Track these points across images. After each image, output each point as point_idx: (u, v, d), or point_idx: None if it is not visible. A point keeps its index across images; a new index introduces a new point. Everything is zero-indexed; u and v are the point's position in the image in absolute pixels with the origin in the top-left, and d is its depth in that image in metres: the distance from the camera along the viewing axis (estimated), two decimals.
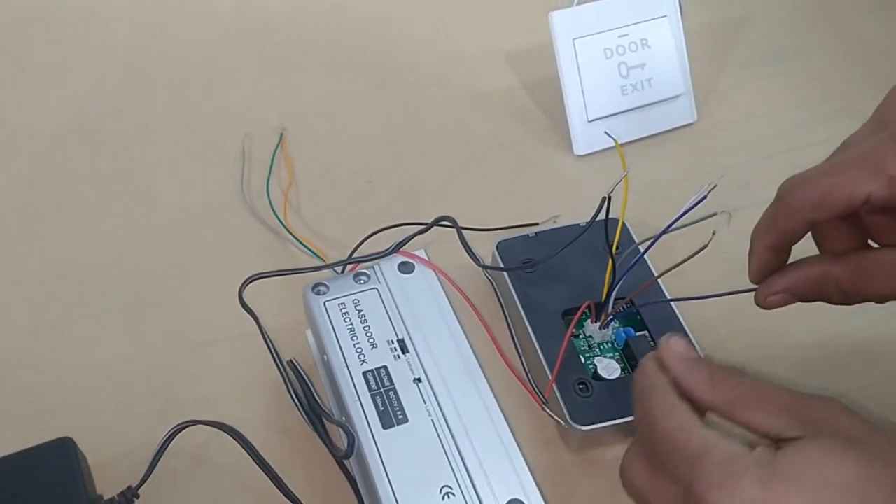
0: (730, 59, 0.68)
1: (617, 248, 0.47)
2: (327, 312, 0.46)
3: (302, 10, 0.71)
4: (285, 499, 0.42)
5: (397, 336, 0.45)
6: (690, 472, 0.33)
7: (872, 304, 0.40)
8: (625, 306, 0.48)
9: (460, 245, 0.50)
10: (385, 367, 0.44)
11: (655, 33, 0.61)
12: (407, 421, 0.42)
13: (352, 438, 0.42)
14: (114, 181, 0.59)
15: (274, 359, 0.44)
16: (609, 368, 0.47)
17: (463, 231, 0.50)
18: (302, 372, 0.46)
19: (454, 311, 0.47)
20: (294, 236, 0.54)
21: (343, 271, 0.49)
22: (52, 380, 0.49)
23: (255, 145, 0.61)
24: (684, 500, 0.33)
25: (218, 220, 0.57)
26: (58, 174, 0.59)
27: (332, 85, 0.66)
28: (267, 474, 0.42)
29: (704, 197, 0.42)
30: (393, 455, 0.41)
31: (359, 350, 0.45)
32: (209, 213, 0.57)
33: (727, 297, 0.44)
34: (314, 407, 0.45)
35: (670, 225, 0.44)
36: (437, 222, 0.50)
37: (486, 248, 0.53)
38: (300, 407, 0.45)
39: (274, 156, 0.60)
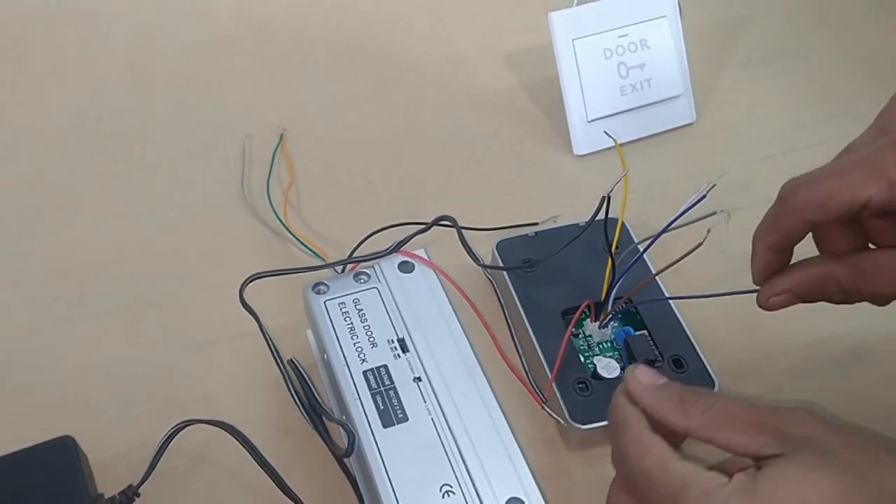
0: (729, 60, 0.68)
1: (616, 247, 0.47)
2: (327, 312, 0.46)
3: (302, 11, 0.71)
4: (286, 497, 0.42)
5: (397, 335, 0.45)
6: None
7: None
8: (624, 305, 0.48)
9: (460, 245, 0.50)
10: (385, 366, 0.44)
11: (655, 34, 0.61)
12: (407, 420, 0.42)
13: (352, 437, 0.42)
14: (114, 181, 0.59)
15: (274, 358, 0.45)
16: (609, 367, 0.47)
17: (463, 231, 0.50)
18: (302, 371, 0.46)
19: (454, 310, 0.47)
20: (294, 236, 0.54)
21: (343, 271, 0.49)
22: (53, 380, 0.49)
23: (256, 145, 0.61)
24: None
25: (218, 220, 0.57)
26: (58, 174, 0.59)
27: (333, 85, 0.66)
28: (267, 473, 0.42)
29: (703, 196, 0.42)
30: (393, 454, 0.41)
31: (359, 349, 0.45)
32: (209, 213, 0.57)
33: (727, 296, 0.44)
34: (314, 406, 0.45)
35: (669, 224, 0.44)
36: (437, 222, 0.50)
37: (485, 247, 0.53)
38: (300, 406, 0.45)
39: (274, 156, 0.60)
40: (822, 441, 0.33)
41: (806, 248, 0.41)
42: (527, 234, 0.53)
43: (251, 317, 0.44)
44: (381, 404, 0.43)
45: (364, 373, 0.44)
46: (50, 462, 0.41)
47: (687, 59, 0.62)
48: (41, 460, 0.41)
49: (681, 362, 0.47)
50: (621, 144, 0.59)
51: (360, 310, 0.46)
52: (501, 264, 0.51)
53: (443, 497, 0.40)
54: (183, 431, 0.42)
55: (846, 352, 0.51)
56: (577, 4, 0.60)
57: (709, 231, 0.42)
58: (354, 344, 0.45)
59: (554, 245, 0.50)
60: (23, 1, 0.71)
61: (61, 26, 0.69)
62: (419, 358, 0.45)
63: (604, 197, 0.46)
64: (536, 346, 0.48)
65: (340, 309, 0.46)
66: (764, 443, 0.34)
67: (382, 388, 0.43)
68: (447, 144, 0.62)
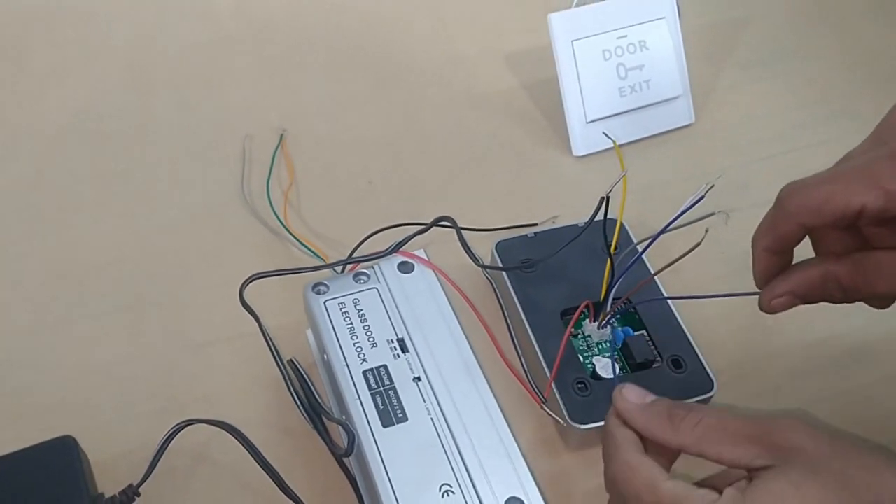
0: (728, 61, 0.68)
1: (615, 248, 0.47)
2: (327, 312, 0.46)
3: (302, 11, 0.71)
4: (285, 497, 0.42)
5: (397, 335, 0.46)
6: None
7: None
8: (623, 305, 0.48)
9: (460, 245, 0.51)
10: (385, 366, 0.44)
11: (654, 35, 0.61)
12: (406, 420, 0.42)
13: (352, 437, 0.42)
14: (114, 181, 0.59)
15: (274, 358, 0.45)
16: (608, 368, 0.47)
17: (462, 231, 0.50)
18: (302, 371, 0.46)
19: (454, 310, 0.47)
20: (294, 236, 0.55)
21: (343, 271, 0.49)
22: (53, 380, 0.49)
23: (256, 146, 0.61)
24: None
25: (218, 221, 0.57)
26: (58, 174, 0.59)
27: (333, 85, 0.66)
28: (267, 473, 0.42)
29: (702, 197, 0.42)
30: (393, 453, 0.41)
31: (359, 349, 0.45)
32: (209, 213, 0.57)
33: (726, 297, 0.44)
34: (314, 406, 0.45)
35: (668, 225, 0.44)
36: (436, 222, 0.50)
37: (485, 248, 0.53)
38: (300, 406, 0.45)
39: (274, 156, 0.60)
40: (812, 451, 0.33)
41: (809, 251, 0.41)
42: (526, 235, 0.53)
43: (251, 317, 0.45)
44: (380, 404, 0.43)
45: (364, 373, 0.44)
46: (51, 461, 0.41)
47: (686, 60, 0.62)
48: (42, 460, 0.41)
49: (680, 362, 0.47)
50: (620, 145, 0.60)
51: (360, 310, 0.46)
52: (501, 265, 0.52)
53: (442, 497, 0.40)
54: (183, 431, 0.42)
55: (846, 352, 0.51)
56: (577, 6, 0.60)
57: (707, 231, 0.42)
58: (354, 344, 0.45)
59: (553, 245, 0.50)
60: (23, 1, 0.71)
61: (61, 26, 0.70)
62: (419, 358, 0.45)
63: (603, 197, 0.46)
64: (536, 346, 0.48)
65: (340, 309, 0.46)
66: (754, 454, 0.34)
67: (382, 388, 0.43)
68: (447, 145, 0.62)
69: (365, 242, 0.52)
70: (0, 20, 0.70)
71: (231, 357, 0.50)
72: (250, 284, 0.45)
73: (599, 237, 0.48)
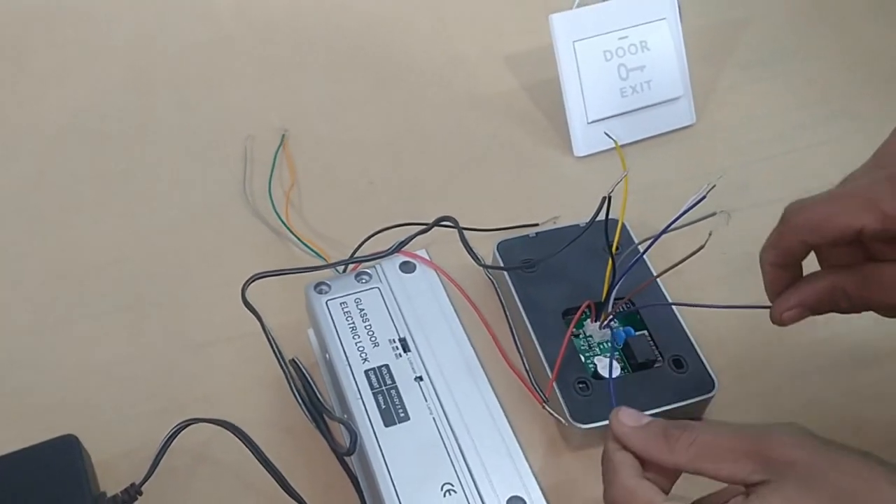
0: (729, 61, 0.68)
1: (617, 248, 0.47)
2: (329, 311, 0.46)
3: (302, 11, 0.71)
4: (287, 496, 0.42)
5: (399, 335, 0.46)
6: None
7: None
8: (624, 306, 0.48)
9: (461, 245, 0.51)
10: (387, 366, 0.44)
11: (655, 35, 0.61)
12: (408, 419, 0.42)
13: (354, 436, 0.42)
14: (114, 181, 0.59)
15: (276, 357, 0.45)
16: (608, 368, 0.47)
17: (464, 231, 0.50)
18: (304, 370, 0.46)
19: (455, 310, 0.47)
20: (296, 236, 0.55)
21: (345, 271, 0.49)
22: (54, 379, 0.49)
23: (257, 146, 0.61)
24: None
25: (220, 221, 0.57)
26: (58, 174, 0.59)
27: (333, 86, 0.66)
28: (269, 472, 0.42)
29: (703, 197, 0.42)
30: (395, 453, 0.41)
31: (360, 348, 0.45)
32: (211, 213, 0.57)
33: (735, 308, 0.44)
34: (316, 405, 0.45)
35: (669, 225, 0.44)
36: (438, 222, 0.50)
37: (486, 248, 0.53)
38: (302, 405, 0.45)
39: (276, 156, 0.60)
40: (807, 464, 0.34)
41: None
42: (527, 235, 0.53)
43: (252, 316, 0.45)
44: (382, 403, 0.43)
45: (366, 372, 0.44)
46: (53, 460, 0.41)
47: (687, 61, 0.62)
48: (44, 459, 0.41)
49: (681, 362, 0.47)
50: (621, 146, 0.60)
51: (362, 309, 0.46)
52: (502, 264, 0.52)
53: (444, 496, 0.40)
54: (184, 431, 0.42)
55: (846, 352, 0.51)
56: (578, 6, 0.60)
57: (710, 234, 0.42)
58: (356, 343, 0.45)
59: (554, 245, 0.50)
60: (23, 1, 0.71)
61: (61, 26, 0.70)
62: (420, 357, 0.45)
63: (604, 198, 0.46)
64: (537, 345, 0.48)
65: (342, 308, 0.46)
66: (750, 470, 0.34)
67: (384, 388, 0.43)
68: (448, 145, 0.62)
69: (366, 242, 0.52)
70: (0, 20, 0.70)
71: (232, 357, 0.50)
72: (252, 284, 0.45)
73: (601, 237, 0.48)
